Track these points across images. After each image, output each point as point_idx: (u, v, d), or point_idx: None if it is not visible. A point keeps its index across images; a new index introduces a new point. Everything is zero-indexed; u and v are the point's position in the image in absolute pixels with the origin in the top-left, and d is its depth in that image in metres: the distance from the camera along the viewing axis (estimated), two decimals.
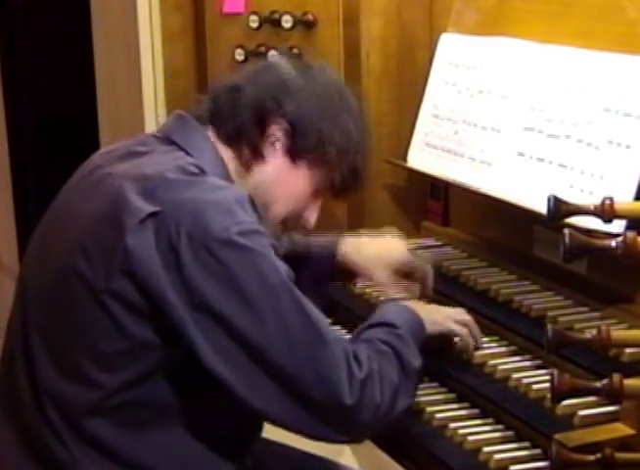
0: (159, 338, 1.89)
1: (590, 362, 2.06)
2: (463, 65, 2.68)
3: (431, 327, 2.19)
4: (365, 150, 2.22)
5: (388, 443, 2.23)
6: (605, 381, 1.77)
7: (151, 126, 3.25)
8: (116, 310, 1.88)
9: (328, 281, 2.53)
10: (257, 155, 2.09)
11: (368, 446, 2.39)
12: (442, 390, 2.27)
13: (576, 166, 2.28)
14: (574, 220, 1.91)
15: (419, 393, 2.24)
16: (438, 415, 2.15)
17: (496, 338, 2.34)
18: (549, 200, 1.84)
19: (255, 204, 1.97)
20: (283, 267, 1.92)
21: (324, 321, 1.95)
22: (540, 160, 2.38)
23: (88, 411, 1.93)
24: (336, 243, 2.47)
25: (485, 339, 2.34)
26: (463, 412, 2.18)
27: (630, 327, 2.16)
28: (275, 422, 1.95)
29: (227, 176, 2.07)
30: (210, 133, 2.10)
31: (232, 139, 2.10)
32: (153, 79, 3.23)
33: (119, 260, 1.87)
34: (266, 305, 1.86)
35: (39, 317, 2.00)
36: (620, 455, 1.78)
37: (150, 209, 1.88)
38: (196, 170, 1.98)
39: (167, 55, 3.28)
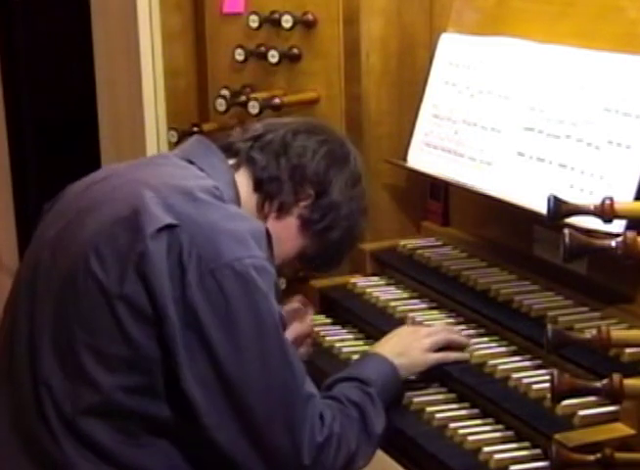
0: (160, 350, 1.90)
1: (590, 362, 2.06)
2: (463, 65, 2.68)
3: (408, 373, 2.23)
4: (357, 237, 2.31)
5: (389, 443, 2.23)
6: (605, 381, 1.77)
7: (151, 126, 3.25)
8: (125, 316, 1.89)
9: None
10: (281, 211, 2.14)
11: None
12: (442, 390, 2.27)
13: (576, 166, 2.28)
14: (574, 220, 1.91)
15: (419, 393, 2.25)
16: (438, 415, 2.15)
17: (496, 338, 2.34)
18: (549, 200, 1.84)
19: (271, 240, 2.00)
20: (279, 311, 1.94)
21: (303, 374, 1.96)
22: (540, 160, 2.38)
23: (86, 412, 1.93)
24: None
25: (485, 339, 2.35)
26: (463, 412, 2.18)
27: (630, 327, 2.16)
28: (227, 458, 1.94)
29: (240, 203, 2.09)
30: (241, 171, 2.13)
31: (262, 186, 2.13)
32: (153, 79, 3.23)
33: (134, 263, 1.88)
34: (253, 344, 1.89)
35: (47, 317, 2.00)
36: (620, 455, 1.79)
37: (168, 220, 1.90)
38: (218, 193, 2.00)
39: (167, 55, 3.27)
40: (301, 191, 2.15)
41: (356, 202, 2.22)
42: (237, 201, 2.09)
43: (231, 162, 2.15)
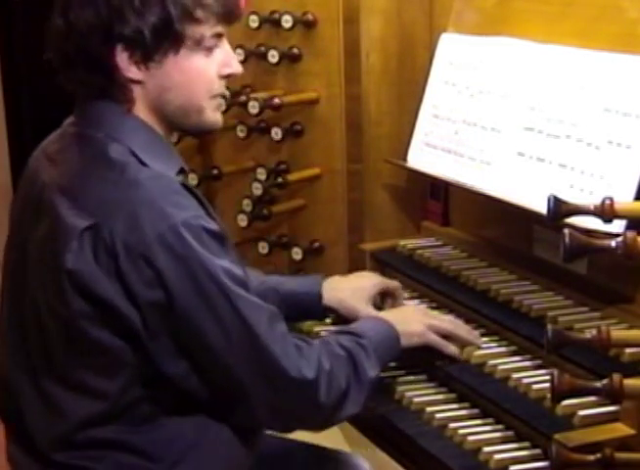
0: (126, 343, 1.90)
1: (590, 362, 2.06)
2: (463, 65, 2.68)
3: (407, 341, 2.22)
4: None
5: (389, 443, 2.23)
6: (605, 381, 1.77)
7: None
8: (88, 328, 1.90)
9: (315, 318, 2.52)
10: (133, 85, 1.97)
11: (368, 447, 2.39)
12: (442, 390, 2.27)
13: (576, 166, 2.28)
14: (574, 220, 1.91)
15: (419, 393, 2.25)
16: (438, 415, 2.15)
17: (496, 338, 2.34)
18: (549, 200, 1.84)
19: (190, 187, 1.95)
20: (222, 265, 1.89)
21: (262, 318, 1.93)
22: (540, 160, 2.38)
23: (97, 422, 1.95)
24: (317, 288, 2.44)
25: (485, 339, 2.34)
26: (463, 412, 2.18)
27: (630, 327, 2.16)
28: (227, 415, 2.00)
29: (147, 130, 1.99)
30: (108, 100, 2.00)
31: (110, 95, 1.98)
32: None
33: (67, 283, 1.88)
34: (202, 311, 1.88)
35: (35, 339, 2.01)
36: (620, 455, 1.79)
37: (83, 224, 1.88)
38: (121, 158, 1.92)
39: None
40: (103, 60, 1.95)
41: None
42: (139, 127, 1.98)
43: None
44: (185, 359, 1.90)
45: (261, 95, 2.98)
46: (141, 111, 2.00)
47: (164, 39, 1.94)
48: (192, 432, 1.99)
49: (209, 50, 2.00)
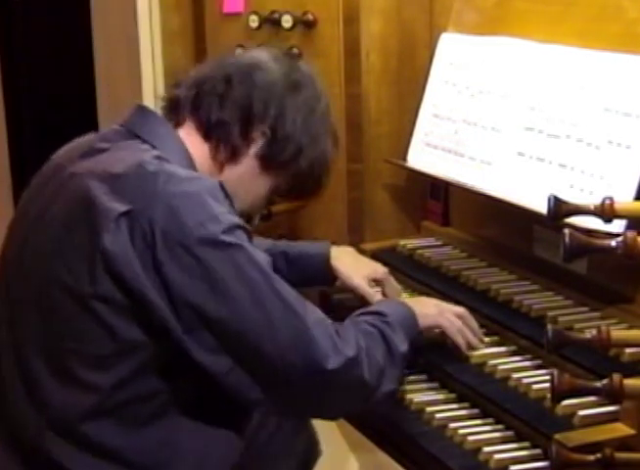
0: (147, 337, 1.90)
1: (590, 362, 2.06)
2: (463, 64, 2.68)
3: (422, 320, 2.22)
4: (331, 160, 2.24)
5: (389, 443, 2.23)
6: (605, 381, 1.77)
7: None
8: (105, 314, 1.89)
9: (318, 284, 2.56)
10: (234, 155, 2.09)
11: (368, 447, 2.39)
12: (442, 390, 2.27)
13: (576, 166, 2.28)
14: (574, 220, 1.91)
15: (419, 393, 2.25)
16: (438, 415, 2.15)
17: (496, 338, 2.34)
18: (549, 200, 1.84)
19: (226, 190, 1.98)
20: (260, 256, 1.92)
21: (304, 307, 1.95)
22: (540, 160, 2.38)
23: (87, 416, 1.93)
24: (327, 250, 2.49)
25: (485, 339, 2.34)
26: (463, 412, 2.18)
27: (630, 327, 2.16)
28: (269, 409, 2.00)
29: (193, 165, 2.05)
30: (186, 128, 2.09)
31: (211, 133, 2.08)
32: (153, 79, 3.23)
33: (100, 263, 1.87)
34: (246, 299, 1.88)
35: (31, 325, 1.99)
36: (620, 455, 1.78)
37: (121, 208, 1.88)
38: (157, 160, 1.96)
39: (167, 55, 3.28)
40: (252, 130, 2.09)
41: (317, 126, 2.16)
42: (186, 161, 2.04)
43: (176, 119, 2.10)
44: (225, 352, 1.88)
45: None
46: (206, 170, 2.08)
47: (292, 163, 2.13)
48: (185, 438, 1.98)
49: (271, 195, 2.21)
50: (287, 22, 2.94)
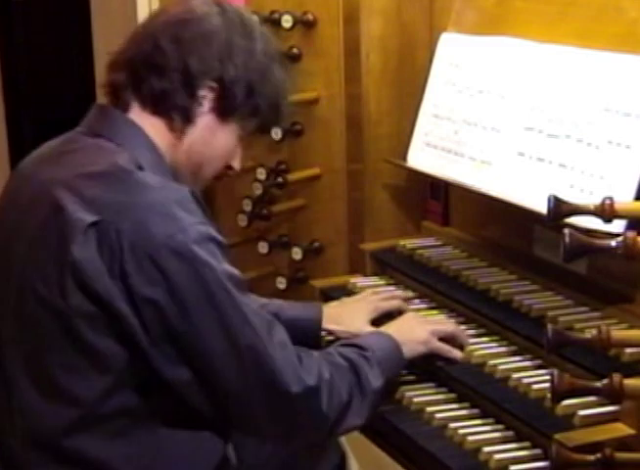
0: (121, 347, 1.88)
1: (590, 362, 2.06)
2: (463, 65, 2.68)
3: (412, 350, 2.22)
4: (284, 84, 2.15)
5: (389, 443, 2.23)
6: (605, 381, 1.77)
7: None
8: (79, 326, 1.87)
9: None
10: (189, 119, 2.04)
11: (368, 447, 2.39)
12: (442, 390, 2.27)
13: (576, 166, 2.28)
14: (574, 220, 1.91)
15: (419, 393, 2.25)
16: (438, 415, 2.15)
17: (496, 338, 2.34)
18: (549, 200, 1.84)
19: (197, 197, 1.95)
20: (228, 273, 1.90)
21: (268, 329, 1.93)
22: (540, 160, 2.38)
23: (70, 430, 1.92)
24: (318, 315, 2.42)
25: (485, 339, 2.35)
26: (463, 412, 2.18)
27: (630, 327, 2.16)
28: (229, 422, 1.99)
29: (159, 157, 2.02)
30: (135, 109, 2.03)
31: (159, 107, 2.03)
32: None
33: (69, 274, 1.86)
34: (210, 318, 1.87)
35: (13, 333, 1.98)
36: (620, 455, 1.79)
37: (90, 219, 1.86)
38: (128, 167, 1.93)
39: None
40: (198, 88, 2.02)
41: (260, 60, 2.07)
42: (150, 152, 2.01)
43: (122, 103, 2.04)
44: (187, 367, 1.88)
45: None
46: (169, 143, 2.04)
47: (246, 109, 2.06)
48: (171, 445, 1.97)
49: (241, 140, 2.12)
50: (287, 22, 2.94)
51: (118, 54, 2.07)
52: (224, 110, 2.05)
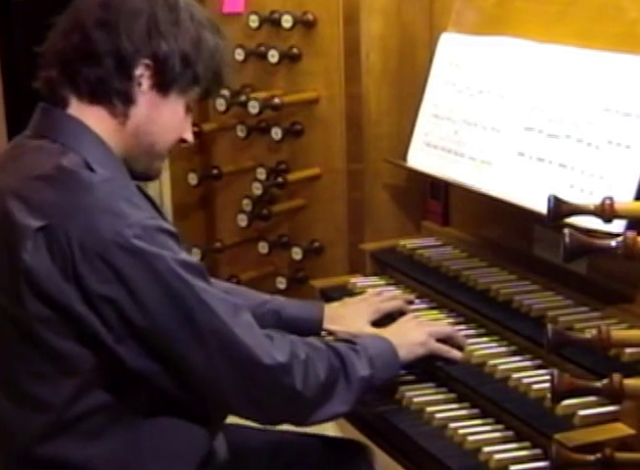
0: (85, 349, 1.88)
1: (590, 362, 2.06)
2: (463, 65, 2.68)
3: (410, 352, 2.22)
4: (219, 48, 2.10)
5: (389, 443, 2.23)
6: (605, 381, 1.77)
7: None
8: (41, 332, 1.87)
9: None
10: (130, 100, 2.00)
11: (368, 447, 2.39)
12: (442, 390, 2.27)
13: (576, 166, 2.28)
14: (574, 220, 1.91)
15: (419, 393, 2.25)
16: (438, 415, 2.15)
17: (496, 338, 2.34)
18: (549, 200, 1.84)
19: (144, 191, 1.94)
20: (183, 261, 1.89)
21: (232, 310, 1.93)
22: (540, 160, 2.38)
23: (45, 436, 1.92)
24: (320, 315, 2.43)
25: (485, 339, 2.35)
26: (463, 412, 2.18)
27: (630, 327, 2.16)
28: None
29: (106, 149, 1.99)
30: (74, 103, 2.00)
31: (98, 96, 1.99)
32: None
33: (24, 281, 1.85)
34: (168, 309, 1.86)
35: None
36: (620, 455, 1.78)
37: (37, 224, 1.85)
38: (74, 167, 1.92)
39: None
40: (133, 69, 1.99)
41: (190, 28, 2.03)
42: (98, 143, 1.98)
43: (61, 100, 2.01)
44: (155, 359, 1.88)
45: (261, 95, 2.98)
46: (116, 129, 2.01)
47: (184, 79, 2.02)
48: (150, 437, 1.97)
49: (189, 111, 2.09)
50: (287, 22, 2.94)
51: (47, 49, 2.04)
52: (163, 84, 2.01)
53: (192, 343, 1.88)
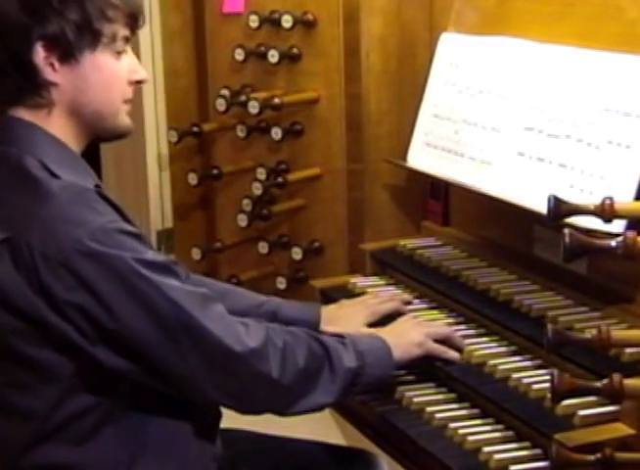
0: (62, 356, 1.88)
1: (590, 362, 2.06)
2: (463, 65, 2.68)
3: (407, 352, 2.22)
4: None
5: (388, 442, 2.23)
6: (605, 381, 1.77)
7: (151, 126, 3.25)
8: (15, 344, 1.88)
9: None
10: (48, 88, 1.95)
11: (368, 447, 2.39)
12: (442, 390, 2.27)
13: (576, 166, 2.28)
14: (574, 220, 1.92)
15: (419, 393, 2.25)
16: (438, 415, 2.15)
17: (496, 338, 2.34)
18: (549, 200, 1.84)
19: (103, 194, 1.93)
20: (147, 259, 1.88)
21: (200, 303, 1.92)
22: (540, 160, 2.38)
23: (33, 444, 1.92)
24: (316, 317, 2.43)
25: (485, 339, 2.35)
26: (463, 412, 2.18)
27: (630, 327, 2.16)
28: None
29: (60, 145, 1.97)
30: (12, 110, 1.98)
31: (20, 101, 1.96)
32: (153, 79, 3.23)
33: None
34: (134, 309, 1.86)
35: None
36: (620, 455, 1.79)
37: (0, 236, 1.85)
38: (33, 172, 1.90)
39: (167, 55, 3.27)
40: (32, 60, 1.92)
41: None
42: (52, 141, 1.96)
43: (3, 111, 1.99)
44: (129, 359, 1.88)
45: (261, 95, 2.98)
46: (57, 116, 1.98)
47: (84, 37, 1.95)
48: (140, 435, 1.97)
49: (119, 54, 2.02)
50: (287, 22, 2.94)
51: None
52: (68, 54, 1.95)
53: (163, 341, 1.88)
